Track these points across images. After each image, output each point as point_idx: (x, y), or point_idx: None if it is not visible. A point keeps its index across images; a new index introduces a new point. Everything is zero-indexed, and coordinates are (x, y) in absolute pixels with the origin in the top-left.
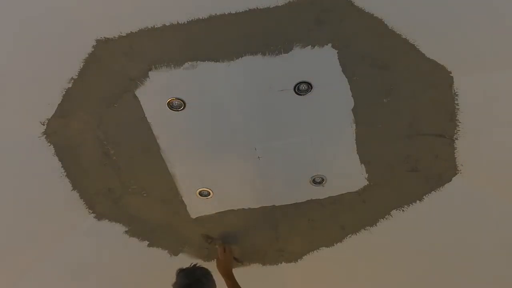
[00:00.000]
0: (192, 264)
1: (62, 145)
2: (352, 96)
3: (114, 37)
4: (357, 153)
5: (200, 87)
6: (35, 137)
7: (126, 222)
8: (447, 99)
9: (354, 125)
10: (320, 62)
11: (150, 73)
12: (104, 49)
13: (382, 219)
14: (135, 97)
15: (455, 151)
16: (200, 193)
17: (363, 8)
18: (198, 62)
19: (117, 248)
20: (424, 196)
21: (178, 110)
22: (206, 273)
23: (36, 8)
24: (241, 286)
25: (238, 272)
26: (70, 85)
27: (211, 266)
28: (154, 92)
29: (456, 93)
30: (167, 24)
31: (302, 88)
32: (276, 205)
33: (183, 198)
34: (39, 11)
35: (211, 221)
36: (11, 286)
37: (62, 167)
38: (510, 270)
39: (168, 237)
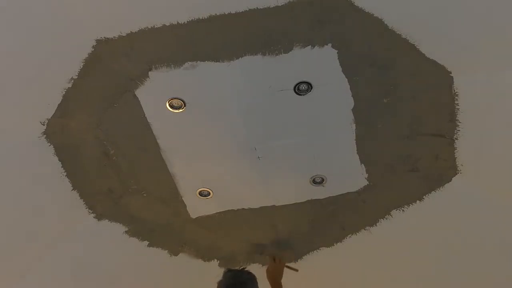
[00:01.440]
0: (241, 267)
1: (62, 145)
2: (352, 96)
3: (114, 37)
4: (357, 153)
5: (200, 87)
6: (35, 137)
7: (126, 222)
8: (447, 99)
9: (354, 125)
10: (320, 62)
11: (150, 73)
12: (104, 49)
13: (382, 219)
14: (135, 97)
15: (455, 151)
16: (200, 193)
17: (363, 8)
18: (198, 62)
19: (117, 248)
20: (424, 196)
21: (178, 110)
22: (252, 278)
23: (36, 8)
24: None
25: None
26: (70, 85)
27: (211, 266)
28: (154, 92)
29: (456, 93)
30: (167, 24)
31: (302, 88)
32: (276, 205)
33: (183, 198)
34: (39, 11)
35: (211, 221)
36: (11, 286)
37: (62, 167)
38: (510, 270)
39: (168, 237)
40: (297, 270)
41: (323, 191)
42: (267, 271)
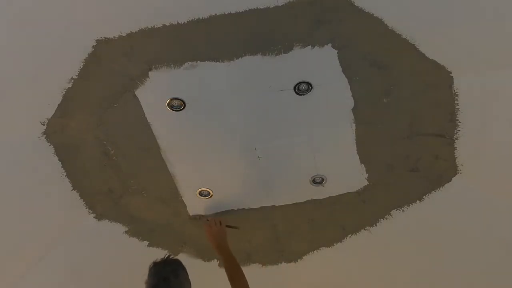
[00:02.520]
0: (166, 256)
1: (62, 145)
2: (352, 96)
3: (114, 37)
4: (357, 153)
5: (200, 87)
6: (35, 137)
7: (126, 222)
8: (447, 99)
9: (354, 125)
10: (320, 62)
11: (150, 73)
12: (104, 49)
13: (382, 219)
14: (135, 97)
15: (455, 151)
16: (200, 193)
17: (363, 8)
18: (198, 62)
19: (117, 248)
20: (424, 196)
21: (178, 110)
22: (176, 269)
23: (36, 8)
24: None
25: None
26: (70, 85)
27: (211, 266)
28: (154, 92)
29: (456, 93)
30: (167, 24)
31: (302, 88)
32: (276, 205)
33: (183, 198)
34: (39, 11)
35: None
36: (11, 286)
37: (62, 167)
38: (510, 269)
39: (168, 237)
40: (238, 228)
41: (323, 191)
42: (208, 236)
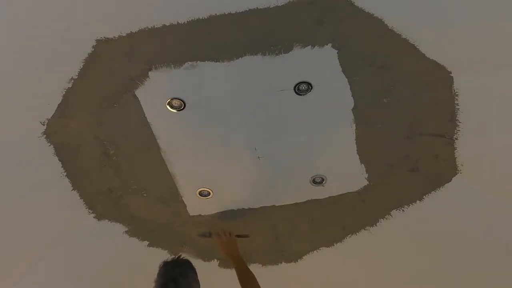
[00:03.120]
0: (176, 256)
1: (62, 145)
2: (352, 96)
3: (114, 37)
4: (357, 153)
5: (200, 87)
6: (35, 137)
7: (126, 222)
8: (447, 99)
9: (354, 125)
10: (320, 62)
11: (150, 73)
12: (104, 49)
13: (382, 219)
14: (135, 97)
15: (455, 151)
16: (200, 193)
17: (363, 8)
18: (198, 62)
19: (117, 248)
20: (424, 196)
21: (178, 110)
22: (185, 270)
23: (36, 8)
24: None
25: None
26: (70, 85)
27: (211, 266)
28: (154, 92)
29: (456, 93)
30: (167, 24)
31: (302, 88)
32: (276, 205)
33: (183, 198)
34: (39, 11)
35: (211, 221)
36: (11, 286)
37: (62, 167)
38: (510, 270)
39: (168, 237)
40: (248, 236)
41: (323, 191)
42: (220, 247)
